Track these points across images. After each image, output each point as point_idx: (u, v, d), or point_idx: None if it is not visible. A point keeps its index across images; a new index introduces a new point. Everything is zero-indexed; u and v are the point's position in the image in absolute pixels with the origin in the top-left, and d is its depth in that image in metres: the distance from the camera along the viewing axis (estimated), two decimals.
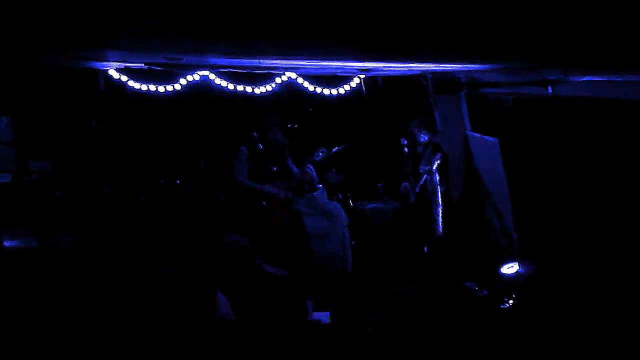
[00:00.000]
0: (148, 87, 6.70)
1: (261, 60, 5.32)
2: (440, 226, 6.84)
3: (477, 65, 5.12)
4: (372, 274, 6.68)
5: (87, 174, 7.23)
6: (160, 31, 3.06)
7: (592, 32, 2.74)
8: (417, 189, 6.88)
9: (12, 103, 7.17)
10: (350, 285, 6.40)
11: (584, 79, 5.76)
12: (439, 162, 6.72)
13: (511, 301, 5.31)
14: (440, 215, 6.81)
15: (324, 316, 5.45)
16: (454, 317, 5.35)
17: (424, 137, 6.95)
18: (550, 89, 5.94)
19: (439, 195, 6.76)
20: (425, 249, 7.00)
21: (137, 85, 6.71)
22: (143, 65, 6.10)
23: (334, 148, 7.42)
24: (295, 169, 6.93)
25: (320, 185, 6.97)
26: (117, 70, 6.56)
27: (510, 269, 5.68)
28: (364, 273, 6.71)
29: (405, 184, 7.07)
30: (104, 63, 6.16)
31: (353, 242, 6.92)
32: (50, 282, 5.81)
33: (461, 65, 5.35)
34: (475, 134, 6.88)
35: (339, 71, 6.58)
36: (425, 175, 6.78)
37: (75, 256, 6.31)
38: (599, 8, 2.23)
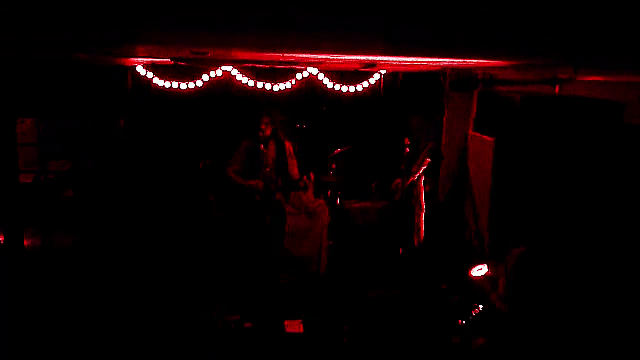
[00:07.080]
0: (172, 84, 6.84)
1: (285, 54, 5.40)
2: (422, 233, 6.89)
3: (499, 61, 5.15)
4: (346, 276, 6.65)
5: (103, 173, 7.38)
6: (187, 23, 3.13)
7: (607, 32, 2.78)
8: (406, 187, 6.93)
9: (38, 104, 7.28)
10: (322, 288, 6.42)
11: (591, 78, 5.78)
12: (425, 167, 6.81)
13: (481, 306, 5.30)
14: (423, 220, 6.87)
15: (296, 325, 5.50)
16: (423, 323, 5.40)
17: (424, 138, 6.98)
18: (557, 89, 5.99)
19: (423, 201, 6.85)
20: (401, 250, 7.02)
21: (161, 83, 6.85)
22: (169, 60, 6.20)
23: (337, 150, 7.54)
24: (295, 173, 6.68)
25: (309, 183, 6.83)
26: (145, 66, 6.70)
27: (479, 271, 5.67)
28: (337, 275, 6.71)
29: (398, 181, 7.14)
30: (132, 59, 6.27)
31: (331, 242, 6.94)
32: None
33: (483, 61, 5.39)
34: (476, 133, 6.94)
35: (361, 66, 6.64)
36: (412, 176, 6.86)
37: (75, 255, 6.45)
38: (616, 9, 2.28)
